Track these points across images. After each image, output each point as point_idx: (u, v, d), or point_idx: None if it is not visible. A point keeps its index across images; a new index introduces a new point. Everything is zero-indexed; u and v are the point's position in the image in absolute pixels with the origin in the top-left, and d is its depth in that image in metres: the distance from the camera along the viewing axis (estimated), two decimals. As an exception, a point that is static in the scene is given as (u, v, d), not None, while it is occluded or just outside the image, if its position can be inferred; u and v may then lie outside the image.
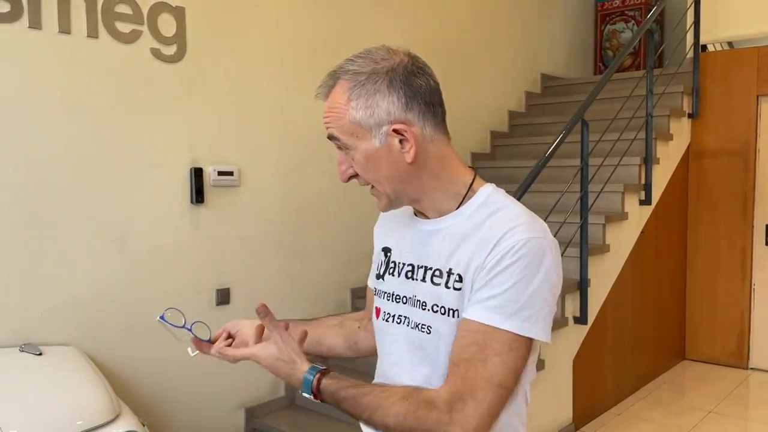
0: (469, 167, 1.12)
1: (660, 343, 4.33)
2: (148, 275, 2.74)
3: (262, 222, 3.15)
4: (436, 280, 1.05)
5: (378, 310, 1.16)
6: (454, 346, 1.00)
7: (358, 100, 1.00)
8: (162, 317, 1.26)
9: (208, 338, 1.25)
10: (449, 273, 1.04)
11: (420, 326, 1.07)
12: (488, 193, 1.07)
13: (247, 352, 1.11)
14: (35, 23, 2.37)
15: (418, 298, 1.08)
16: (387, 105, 1.00)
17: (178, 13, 2.77)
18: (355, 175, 1.06)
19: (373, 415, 0.99)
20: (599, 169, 3.52)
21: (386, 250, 1.18)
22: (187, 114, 2.85)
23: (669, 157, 4.20)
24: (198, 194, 2.86)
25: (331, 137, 1.05)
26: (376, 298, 1.18)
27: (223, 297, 3.00)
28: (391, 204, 1.08)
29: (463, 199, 1.07)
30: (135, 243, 2.70)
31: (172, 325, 1.24)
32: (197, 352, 1.24)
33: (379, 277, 1.17)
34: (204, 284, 2.94)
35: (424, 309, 1.06)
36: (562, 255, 3.24)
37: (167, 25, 2.74)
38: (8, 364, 2.21)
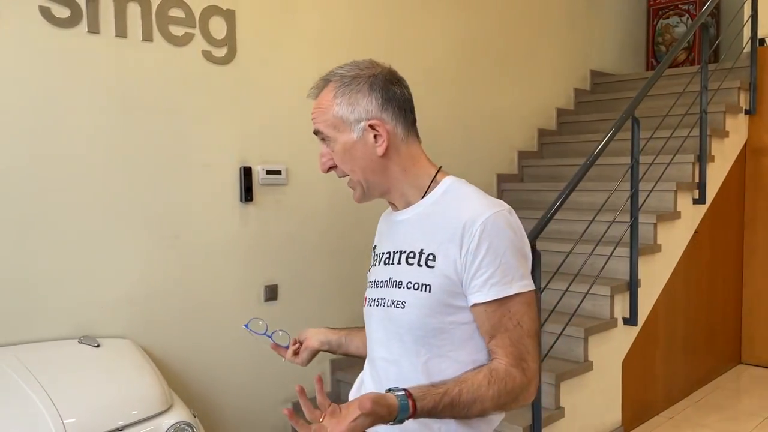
0: (434, 165, 1.28)
1: (714, 346, 4.21)
2: (199, 271, 2.82)
3: (309, 220, 3.19)
4: (410, 260, 1.20)
5: (365, 299, 1.32)
6: (484, 326, 1.15)
7: (342, 97, 1.18)
8: (246, 325, 1.45)
9: (286, 344, 1.49)
10: (420, 253, 1.19)
11: (396, 303, 1.20)
12: (449, 183, 1.22)
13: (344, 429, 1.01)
14: (94, 28, 2.47)
15: (394, 279, 1.22)
16: (366, 104, 1.17)
17: (229, 16, 2.84)
18: (334, 167, 1.24)
19: (471, 409, 1.10)
20: (650, 166, 3.44)
21: (374, 248, 1.36)
22: (236, 114, 2.91)
23: (724, 154, 4.07)
24: (247, 193, 2.93)
25: (316, 132, 1.23)
26: (367, 289, 1.34)
27: (271, 293, 3.06)
28: (365, 194, 1.24)
29: (427, 190, 1.22)
30: (187, 240, 2.78)
31: (255, 332, 1.43)
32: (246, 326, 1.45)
33: (369, 271, 1.35)
34: (253, 280, 3.00)
35: (400, 287, 1.20)
36: (611, 255, 3.19)
37: (218, 27, 2.81)
38: (68, 355, 2.31)
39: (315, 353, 1.49)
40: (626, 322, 3.27)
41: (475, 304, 1.13)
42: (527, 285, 1.14)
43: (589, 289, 3.07)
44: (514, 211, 1.19)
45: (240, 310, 2.96)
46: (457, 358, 1.16)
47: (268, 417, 3.10)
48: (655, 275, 3.50)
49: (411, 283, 1.17)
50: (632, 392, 3.40)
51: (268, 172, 3.00)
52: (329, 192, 3.25)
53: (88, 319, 2.51)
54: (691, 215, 3.77)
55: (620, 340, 3.28)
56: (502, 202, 1.19)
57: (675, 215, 3.59)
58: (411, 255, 1.20)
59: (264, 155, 3.01)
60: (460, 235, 1.13)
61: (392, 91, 1.19)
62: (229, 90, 2.88)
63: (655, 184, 3.45)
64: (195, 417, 2.19)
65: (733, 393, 4.03)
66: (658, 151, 3.52)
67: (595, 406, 3.15)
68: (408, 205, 1.24)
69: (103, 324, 2.54)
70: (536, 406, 2.63)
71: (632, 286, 3.24)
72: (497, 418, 1.22)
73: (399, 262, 1.21)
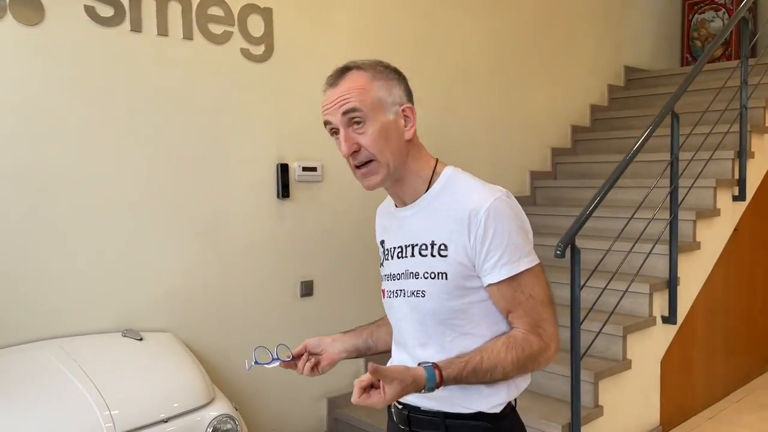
0: (433, 156, 1.35)
1: (754, 345, 4.12)
2: (237, 267, 2.85)
3: (344, 216, 3.20)
4: (423, 252, 1.28)
5: (384, 291, 1.39)
6: (500, 303, 1.25)
7: (380, 81, 1.26)
8: (254, 363, 1.36)
9: (290, 357, 1.39)
10: (432, 244, 1.27)
11: (415, 293, 1.29)
12: (449, 175, 1.31)
13: (390, 395, 1.14)
14: (136, 27, 2.51)
15: (410, 270, 1.30)
16: (397, 91, 1.28)
17: (266, 14, 2.86)
18: (358, 150, 1.25)
19: (494, 374, 1.22)
20: (689, 163, 3.39)
21: (382, 242, 1.42)
22: (273, 111, 2.93)
23: (765, 150, 3.98)
24: (284, 189, 2.95)
25: (350, 111, 1.24)
26: (382, 282, 1.40)
27: (307, 289, 3.08)
28: (387, 177, 1.27)
29: (430, 182, 1.30)
30: (226, 236, 2.81)
31: (264, 364, 1.36)
32: (251, 366, 1.36)
33: (381, 265, 1.41)
34: (289, 276, 3.02)
35: (417, 278, 1.29)
36: (650, 252, 3.14)
37: (256, 25, 2.84)
38: (112, 348, 2.36)
39: (335, 364, 1.45)
40: (665, 320, 3.22)
41: (489, 285, 1.24)
42: (533, 260, 1.25)
43: (627, 287, 3.03)
44: (511, 194, 1.29)
45: (278, 305, 2.99)
46: (478, 334, 1.27)
47: (305, 412, 3.12)
48: (695, 273, 3.44)
49: (427, 273, 1.27)
50: (671, 391, 3.35)
51: (305, 169, 3.02)
52: (363, 188, 3.26)
53: (131, 313, 2.55)
54: (731, 212, 3.70)
55: (659, 339, 3.24)
56: (500, 187, 1.27)
57: (714, 212, 3.53)
58: (423, 247, 1.28)
59: (300, 152, 3.02)
60: (467, 224, 1.22)
61: (409, 86, 1.32)
62: (267, 87, 2.90)
63: (695, 180, 3.39)
64: (236, 410, 2.21)
65: (773, 394, 3.94)
66: (697, 148, 3.47)
67: (633, 404, 3.11)
68: (415, 197, 1.31)
69: (145, 318, 2.58)
70: (575, 405, 2.61)
71: (671, 283, 3.19)
72: (522, 382, 1.32)
73: (413, 255, 1.30)
